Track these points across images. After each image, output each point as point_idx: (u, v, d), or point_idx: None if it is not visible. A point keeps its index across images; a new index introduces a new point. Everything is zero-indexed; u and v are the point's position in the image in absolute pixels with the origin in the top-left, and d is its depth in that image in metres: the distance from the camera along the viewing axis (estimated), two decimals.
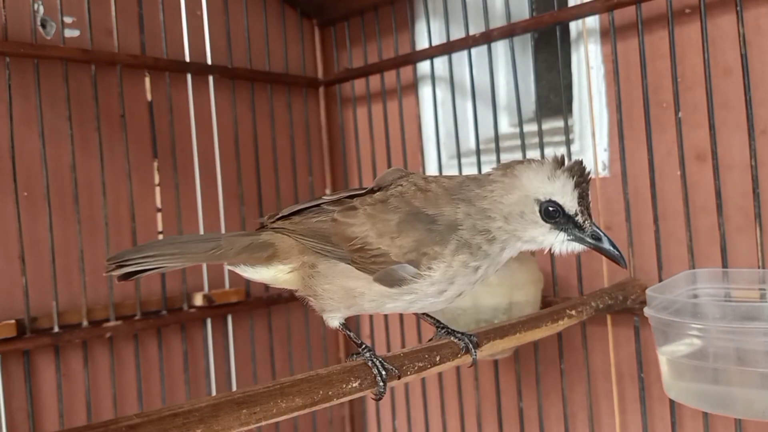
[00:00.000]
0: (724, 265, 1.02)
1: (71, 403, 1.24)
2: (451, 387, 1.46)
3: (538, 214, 0.78)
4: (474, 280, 0.80)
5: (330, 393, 0.72)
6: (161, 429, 0.60)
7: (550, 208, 0.78)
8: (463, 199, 0.79)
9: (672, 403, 1.09)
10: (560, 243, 0.80)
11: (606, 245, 0.79)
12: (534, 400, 1.31)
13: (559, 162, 0.79)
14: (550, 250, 0.81)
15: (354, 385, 0.74)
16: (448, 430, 1.47)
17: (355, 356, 0.79)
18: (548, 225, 0.79)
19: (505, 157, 1.35)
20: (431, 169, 1.49)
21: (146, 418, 0.60)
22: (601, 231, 0.79)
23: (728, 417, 1.03)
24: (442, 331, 0.87)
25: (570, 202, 0.78)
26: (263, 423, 0.68)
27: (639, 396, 1.14)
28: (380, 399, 0.78)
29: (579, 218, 0.78)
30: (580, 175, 0.78)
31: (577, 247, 0.80)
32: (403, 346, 1.42)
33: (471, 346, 0.85)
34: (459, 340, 0.85)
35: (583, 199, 0.78)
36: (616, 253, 0.79)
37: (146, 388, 1.33)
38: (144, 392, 1.32)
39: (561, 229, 0.79)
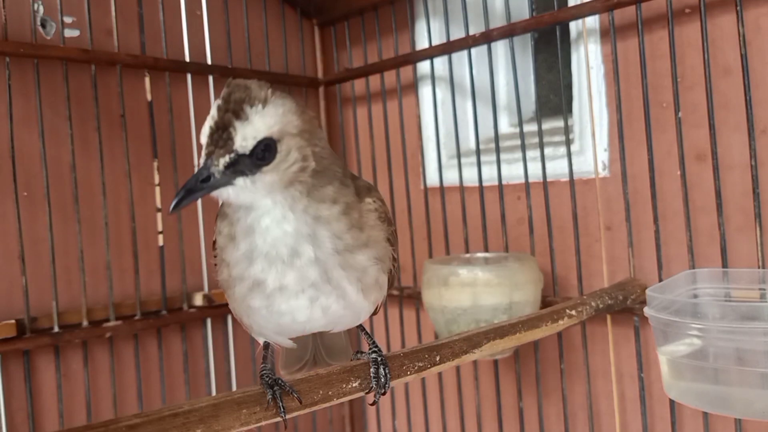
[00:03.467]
0: (724, 265, 1.02)
1: (71, 403, 1.24)
2: (451, 387, 1.46)
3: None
4: (242, 253, 0.70)
5: (330, 393, 0.73)
6: (161, 429, 0.60)
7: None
8: None
9: (672, 403, 1.09)
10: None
11: (184, 188, 0.66)
12: (534, 400, 1.31)
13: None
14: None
15: (354, 385, 0.74)
16: (447, 430, 1.47)
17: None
18: None
19: (505, 157, 1.35)
20: (431, 169, 1.49)
21: (146, 418, 0.60)
22: (201, 176, 0.65)
23: (728, 417, 1.03)
24: (364, 354, 0.79)
25: (204, 131, 0.65)
26: (263, 423, 0.68)
27: (639, 396, 1.14)
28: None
29: (202, 153, 0.65)
30: (225, 99, 0.65)
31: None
32: (403, 346, 1.42)
33: (380, 381, 0.76)
34: (373, 376, 0.76)
35: (212, 135, 0.65)
36: (175, 200, 0.66)
37: (146, 388, 1.33)
38: (144, 392, 1.32)
39: None
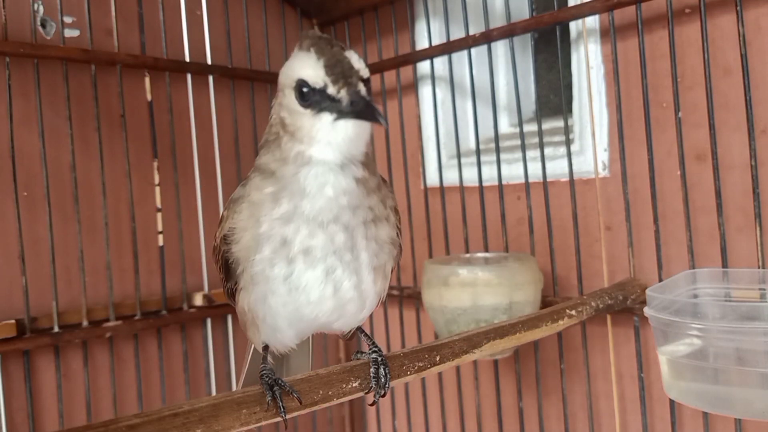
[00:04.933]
0: (724, 265, 1.02)
1: (71, 403, 1.24)
2: (451, 387, 1.46)
3: (296, 102, 0.68)
4: (281, 213, 0.70)
5: (330, 393, 0.72)
6: (161, 429, 0.60)
7: (303, 89, 0.67)
8: (265, 138, 0.75)
9: (672, 403, 1.09)
10: (329, 127, 0.67)
11: (363, 113, 0.65)
12: (534, 400, 1.31)
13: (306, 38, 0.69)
14: (330, 141, 0.68)
15: (354, 385, 0.74)
16: (448, 430, 1.47)
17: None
18: (309, 110, 0.67)
19: (505, 157, 1.35)
20: (431, 169, 1.49)
21: (146, 418, 0.60)
22: (362, 96, 0.65)
23: (728, 417, 1.03)
24: (364, 354, 0.78)
25: (314, 75, 0.66)
26: (263, 423, 0.68)
27: (639, 396, 1.14)
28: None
29: (331, 89, 0.65)
30: (319, 43, 0.67)
31: (349, 125, 0.66)
32: (403, 346, 1.42)
33: (380, 382, 0.75)
34: (373, 376, 0.75)
35: (333, 67, 0.65)
36: (376, 119, 0.65)
37: (146, 388, 1.33)
38: (144, 392, 1.32)
39: (323, 110, 0.67)
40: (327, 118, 0.66)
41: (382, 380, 0.75)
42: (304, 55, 0.67)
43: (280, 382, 0.69)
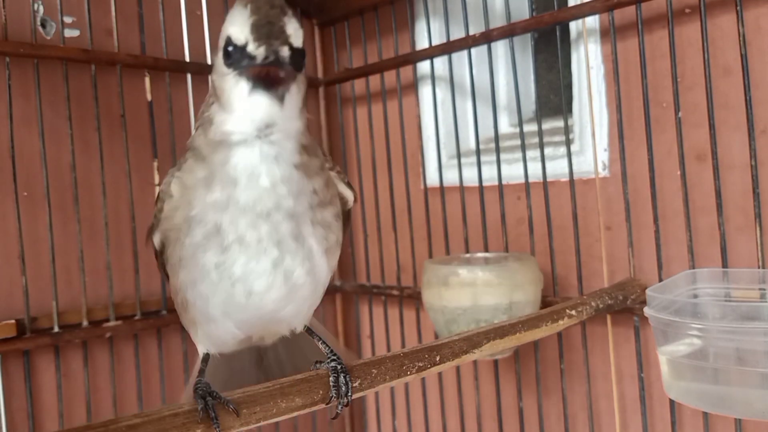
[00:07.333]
0: (724, 265, 1.02)
1: (71, 403, 1.24)
2: (451, 387, 1.46)
3: (222, 60, 0.62)
4: (213, 200, 0.65)
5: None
6: (161, 429, 0.60)
7: (228, 47, 0.61)
8: (202, 110, 0.68)
9: (672, 403, 1.09)
10: (245, 95, 0.61)
11: (265, 73, 0.59)
12: (534, 400, 1.31)
13: None
14: (246, 110, 0.61)
15: (354, 385, 0.74)
16: (448, 430, 1.47)
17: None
18: (231, 70, 0.61)
19: (505, 157, 1.35)
20: (431, 169, 1.49)
21: (146, 418, 0.60)
22: (278, 56, 0.59)
23: (728, 417, 1.03)
24: (323, 364, 0.73)
25: (239, 31, 0.60)
26: (263, 423, 0.68)
27: (639, 396, 1.14)
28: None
29: (250, 46, 0.59)
30: (258, 2, 0.61)
31: (261, 97, 0.60)
32: (403, 346, 1.42)
33: (341, 391, 0.71)
34: (332, 385, 0.71)
35: (261, 26, 0.59)
36: (271, 86, 0.60)
37: (146, 388, 1.33)
38: (144, 392, 1.32)
39: (240, 70, 0.60)
40: (244, 86, 0.61)
41: (343, 389, 0.71)
42: (239, 10, 0.61)
43: (214, 393, 0.65)
